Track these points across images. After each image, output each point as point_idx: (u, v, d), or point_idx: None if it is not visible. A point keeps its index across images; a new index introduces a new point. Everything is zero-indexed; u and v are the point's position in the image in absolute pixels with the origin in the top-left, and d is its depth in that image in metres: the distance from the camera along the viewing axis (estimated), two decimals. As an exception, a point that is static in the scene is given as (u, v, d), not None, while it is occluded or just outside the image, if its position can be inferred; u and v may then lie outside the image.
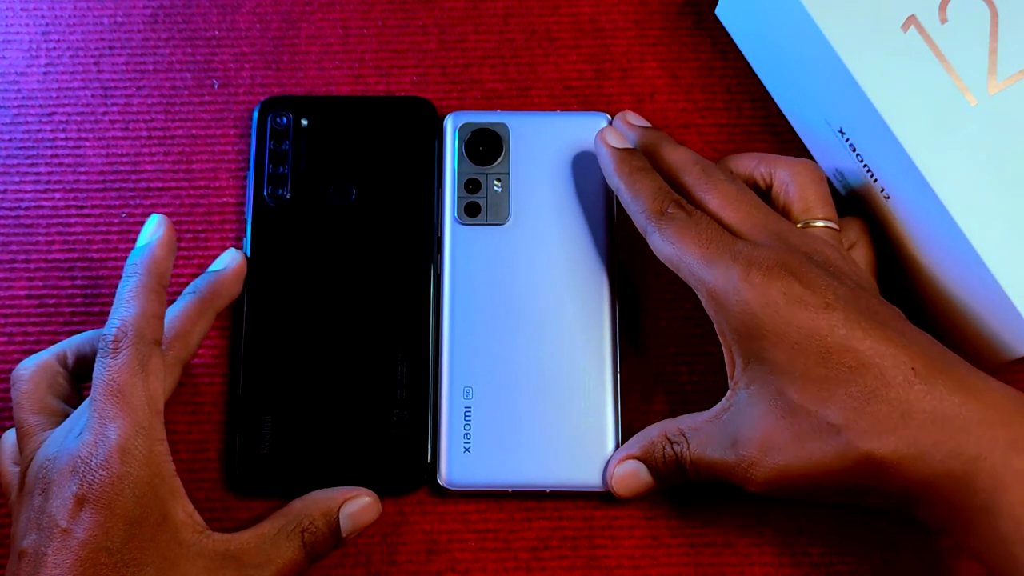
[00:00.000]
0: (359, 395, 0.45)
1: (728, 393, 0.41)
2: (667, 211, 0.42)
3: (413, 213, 0.47)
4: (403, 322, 0.46)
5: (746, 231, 0.41)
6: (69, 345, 0.43)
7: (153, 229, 0.41)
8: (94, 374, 0.38)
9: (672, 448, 0.42)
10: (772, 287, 0.38)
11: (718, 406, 0.41)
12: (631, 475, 0.43)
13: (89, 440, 0.37)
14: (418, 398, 0.45)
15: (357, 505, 0.42)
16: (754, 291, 0.38)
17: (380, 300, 0.46)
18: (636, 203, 0.43)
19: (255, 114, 0.48)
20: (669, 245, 0.41)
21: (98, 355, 0.39)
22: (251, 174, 0.48)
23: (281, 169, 0.48)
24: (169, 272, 0.41)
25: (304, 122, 0.48)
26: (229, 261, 0.46)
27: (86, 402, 0.39)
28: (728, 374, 0.41)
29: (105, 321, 0.47)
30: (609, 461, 0.44)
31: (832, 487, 0.38)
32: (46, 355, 0.42)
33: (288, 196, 0.47)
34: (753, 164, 0.45)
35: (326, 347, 0.46)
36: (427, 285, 0.47)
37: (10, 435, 0.42)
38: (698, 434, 0.41)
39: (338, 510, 0.42)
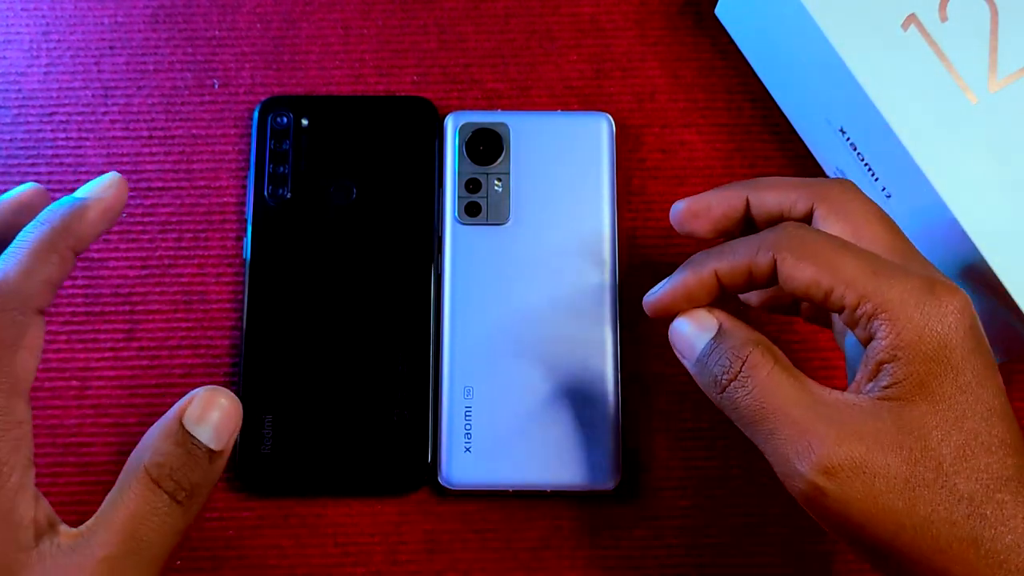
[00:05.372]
0: (359, 395, 0.45)
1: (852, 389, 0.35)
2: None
3: (413, 213, 0.47)
4: (403, 322, 0.46)
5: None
6: None
7: (103, 187, 0.34)
8: None
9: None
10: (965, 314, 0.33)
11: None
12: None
13: None
14: (418, 398, 0.45)
15: (199, 404, 0.33)
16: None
17: (380, 300, 0.46)
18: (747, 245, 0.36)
19: (255, 114, 0.48)
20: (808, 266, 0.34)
21: None
22: (251, 174, 0.48)
23: (281, 169, 0.48)
24: (90, 240, 0.34)
25: (304, 122, 0.48)
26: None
27: None
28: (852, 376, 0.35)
29: (110, 321, 0.47)
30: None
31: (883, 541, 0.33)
32: None
33: (288, 196, 0.47)
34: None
35: (326, 347, 0.46)
36: (427, 285, 0.47)
37: None
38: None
39: (180, 424, 0.33)
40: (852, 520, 0.32)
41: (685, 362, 0.37)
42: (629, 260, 0.48)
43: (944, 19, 0.42)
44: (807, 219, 0.37)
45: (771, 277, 0.35)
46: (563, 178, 0.48)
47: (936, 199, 0.41)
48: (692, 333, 0.36)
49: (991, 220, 0.40)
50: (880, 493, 0.32)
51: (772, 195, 0.38)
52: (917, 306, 0.33)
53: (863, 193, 0.37)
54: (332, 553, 0.45)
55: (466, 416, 0.45)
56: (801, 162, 0.49)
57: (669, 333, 0.37)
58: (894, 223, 0.36)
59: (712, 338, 0.36)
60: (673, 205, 0.40)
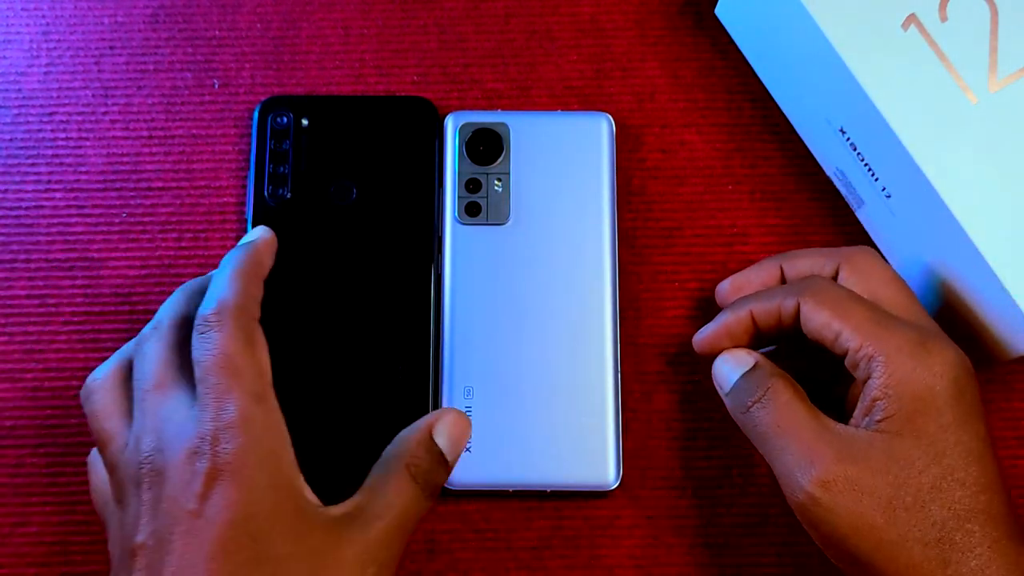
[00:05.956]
0: (359, 394, 0.45)
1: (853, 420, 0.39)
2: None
3: (413, 213, 0.47)
4: (403, 322, 0.46)
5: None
6: (131, 350, 0.42)
7: (259, 232, 0.43)
8: (196, 354, 0.38)
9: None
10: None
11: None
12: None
13: (207, 417, 0.37)
14: (418, 398, 0.45)
15: (446, 423, 0.41)
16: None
17: (380, 300, 0.46)
18: (780, 290, 0.42)
19: (256, 114, 0.48)
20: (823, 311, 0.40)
21: (197, 333, 0.38)
22: (252, 174, 0.48)
23: (282, 169, 0.48)
24: (269, 268, 0.42)
25: (305, 122, 0.48)
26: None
27: (157, 392, 0.38)
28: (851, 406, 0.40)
29: (110, 321, 0.47)
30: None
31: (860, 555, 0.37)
32: (113, 364, 0.41)
33: (289, 196, 0.47)
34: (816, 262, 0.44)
35: (326, 347, 0.46)
36: (428, 285, 0.47)
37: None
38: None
39: (431, 435, 0.40)
40: (839, 531, 0.37)
41: (721, 392, 0.42)
42: (629, 260, 0.48)
43: (944, 19, 0.42)
44: (833, 280, 0.42)
45: (795, 320, 0.41)
46: (563, 178, 0.48)
47: (935, 199, 0.41)
48: (731, 368, 0.41)
49: (990, 219, 0.40)
50: (865, 509, 0.36)
51: (803, 262, 0.43)
52: (910, 354, 0.38)
53: (883, 259, 0.42)
54: (332, 553, 0.45)
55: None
56: (801, 162, 0.49)
57: (712, 369, 0.42)
58: (908, 287, 0.41)
59: (746, 371, 0.41)
60: (718, 285, 0.45)
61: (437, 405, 0.45)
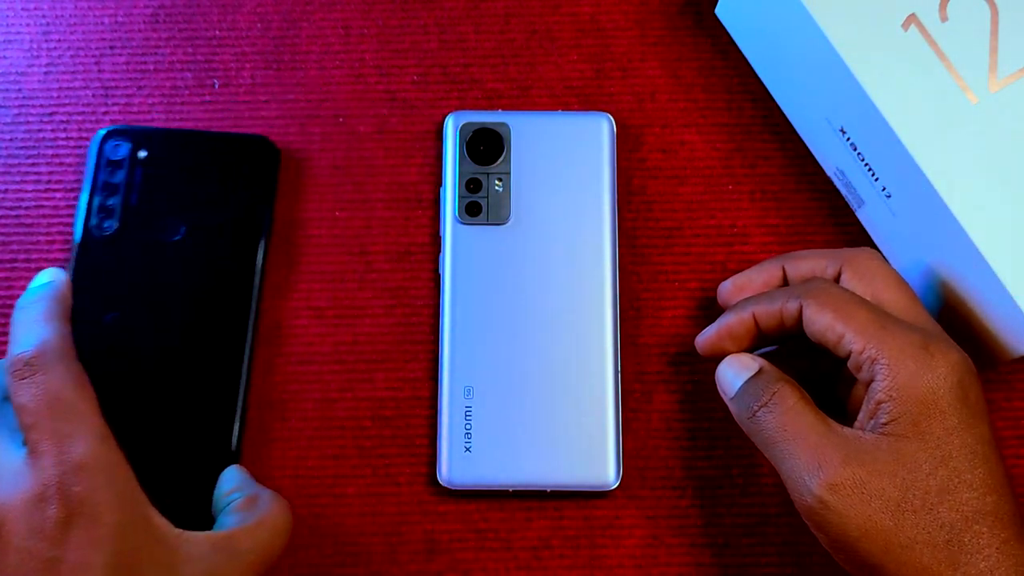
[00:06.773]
0: (168, 425, 0.44)
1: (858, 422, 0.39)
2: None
3: (237, 253, 0.46)
4: (213, 357, 0.45)
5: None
6: None
7: (55, 273, 0.42)
8: (22, 400, 0.36)
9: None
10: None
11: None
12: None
13: (49, 462, 0.35)
14: (225, 408, 0.44)
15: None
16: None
17: (194, 335, 0.45)
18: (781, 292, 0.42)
19: (94, 143, 0.47)
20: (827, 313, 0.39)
21: (16, 379, 0.37)
22: (83, 201, 0.46)
23: (111, 201, 0.46)
24: (70, 308, 0.41)
25: (142, 154, 0.47)
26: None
27: None
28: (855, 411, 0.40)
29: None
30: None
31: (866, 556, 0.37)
32: None
33: (116, 227, 0.46)
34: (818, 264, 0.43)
35: (138, 379, 0.44)
36: (245, 327, 0.45)
37: None
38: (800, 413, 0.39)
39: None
40: (849, 534, 0.37)
41: (725, 397, 0.42)
42: (629, 260, 0.48)
43: (944, 19, 0.42)
44: (835, 281, 0.42)
45: (798, 323, 0.40)
46: (563, 178, 0.48)
47: (936, 199, 0.41)
48: (735, 373, 0.41)
49: (990, 219, 0.40)
50: (875, 512, 0.36)
51: (806, 263, 0.43)
52: (913, 357, 0.38)
53: (886, 261, 0.42)
54: (332, 553, 0.45)
55: (466, 416, 0.45)
56: (801, 162, 0.49)
57: (716, 374, 0.42)
58: (911, 288, 0.41)
59: (751, 376, 0.40)
60: (720, 286, 0.45)
61: (437, 405, 0.45)
